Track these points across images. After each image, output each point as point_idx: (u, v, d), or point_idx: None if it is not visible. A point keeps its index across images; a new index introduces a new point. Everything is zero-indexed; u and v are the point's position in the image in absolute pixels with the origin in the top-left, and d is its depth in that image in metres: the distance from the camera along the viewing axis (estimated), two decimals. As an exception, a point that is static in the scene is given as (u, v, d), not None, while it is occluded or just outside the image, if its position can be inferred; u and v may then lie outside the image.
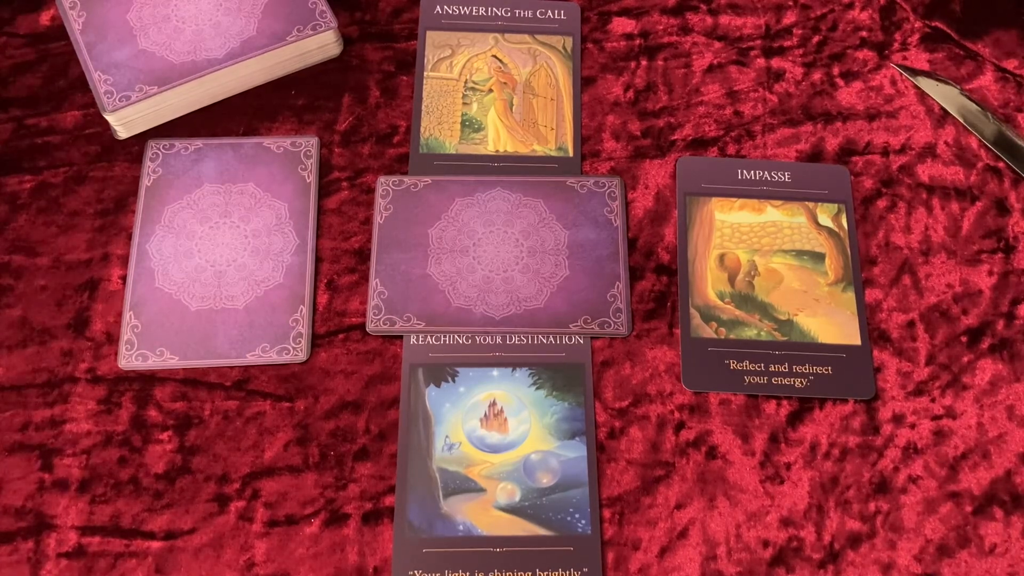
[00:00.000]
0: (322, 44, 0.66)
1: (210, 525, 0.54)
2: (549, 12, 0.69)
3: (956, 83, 0.67)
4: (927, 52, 0.69)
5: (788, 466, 0.56)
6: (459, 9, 0.69)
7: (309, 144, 0.64)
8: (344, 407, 0.57)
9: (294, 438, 0.57)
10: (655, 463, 0.56)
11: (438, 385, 0.58)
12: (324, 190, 0.63)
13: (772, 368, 0.58)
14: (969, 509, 0.56)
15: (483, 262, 0.61)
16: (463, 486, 0.55)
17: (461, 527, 0.54)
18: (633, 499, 0.56)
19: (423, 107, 0.66)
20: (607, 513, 0.55)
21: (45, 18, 0.68)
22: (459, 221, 0.62)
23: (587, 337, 0.59)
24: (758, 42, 0.69)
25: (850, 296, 0.61)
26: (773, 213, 0.63)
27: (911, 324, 0.60)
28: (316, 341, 0.59)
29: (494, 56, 0.68)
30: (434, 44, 0.68)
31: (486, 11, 0.69)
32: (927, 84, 0.67)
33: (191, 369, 0.58)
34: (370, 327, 0.59)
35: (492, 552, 0.54)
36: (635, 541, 0.55)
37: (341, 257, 0.61)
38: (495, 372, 0.58)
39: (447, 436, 0.56)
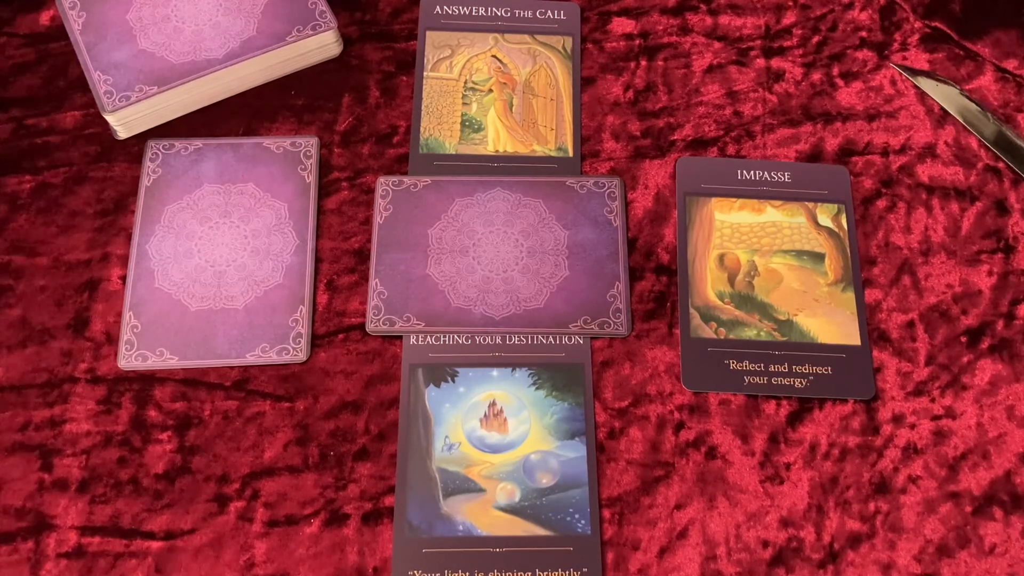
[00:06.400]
0: (322, 44, 0.66)
1: (210, 525, 0.54)
2: (549, 12, 0.69)
3: (956, 83, 0.67)
4: (927, 52, 0.69)
5: (788, 466, 0.56)
6: (459, 9, 0.69)
7: (309, 144, 0.64)
8: (344, 407, 0.57)
9: (294, 438, 0.57)
10: (655, 463, 0.56)
11: (438, 385, 0.58)
12: (324, 190, 0.63)
13: (772, 368, 0.58)
14: (969, 509, 0.56)
15: (483, 262, 0.61)
16: (463, 486, 0.55)
17: (461, 527, 0.54)
18: (633, 499, 0.56)
19: (423, 107, 0.66)
20: (607, 513, 0.55)
21: (45, 18, 0.68)
22: (459, 221, 0.62)
23: (587, 337, 0.59)
24: (758, 42, 0.69)
25: (850, 296, 0.61)
26: (773, 213, 0.63)
27: (911, 324, 0.60)
28: (316, 341, 0.59)
29: (494, 56, 0.68)
30: (434, 44, 0.68)
31: (486, 11, 0.69)
32: (927, 84, 0.67)
33: (191, 369, 0.58)
34: (370, 327, 0.59)
35: (492, 552, 0.54)
36: (635, 541, 0.55)
37: (341, 257, 0.61)
38: (495, 372, 0.58)
39: (447, 436, 0.56)
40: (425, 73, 0.67)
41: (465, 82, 0.67)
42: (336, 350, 0.59)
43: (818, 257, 0.62)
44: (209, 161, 0.63)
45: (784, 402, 0.58)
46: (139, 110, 0.63)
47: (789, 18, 0.70)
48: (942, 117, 0.66)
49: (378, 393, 0.58)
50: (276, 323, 0.59)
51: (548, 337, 0.59)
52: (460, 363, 0.58)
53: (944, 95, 0.67)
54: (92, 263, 0.61)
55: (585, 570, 0.54)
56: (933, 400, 0.58)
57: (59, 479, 0.55)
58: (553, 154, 0.65)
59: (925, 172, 0.65)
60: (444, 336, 0.59)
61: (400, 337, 0.59)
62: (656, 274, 0.61)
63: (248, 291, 0.60)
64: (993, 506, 0.56)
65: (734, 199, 0.63)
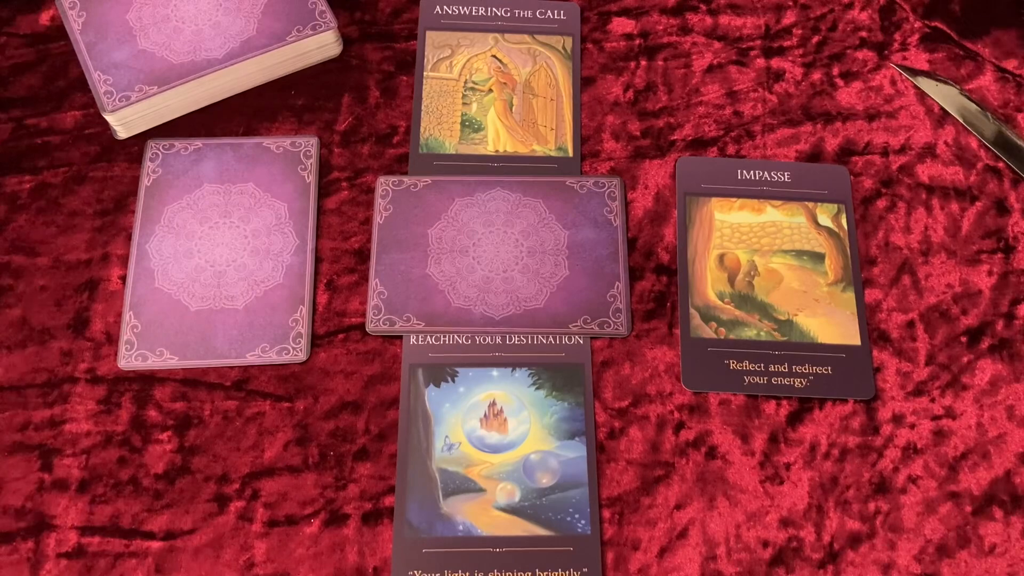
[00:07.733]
0: (322, 44, 0.66)
1: (210, 525, 0.54)
2: (549, 12, 0.69)
3: (956, 83, 0.67)
4: (927, 52, 0.69)
5: (788, 466, 0.56)
6: (459, 9, 0.69)
7: (309, 144, 0.64)
8: (344, 407, 0.57)
9: (294, 438, 0.57)
10: (655, 463, 0.56)
11: (438, 385, 0.58)
12: (324, 190, 0.63)
13: (772, 368, 0.58)
14: (969, 509, 0.56)
15: (483, 262, 0.61)
16: (463, 486, 0.55)
17: (461, 527, 0.54)
18: (633, 499, 0.56)
19: (423, 107, 0.66)
20: (607, 513, 0.55)
21: (45, 18, 0.68)
22: (459, 221, 0.62)
23: (587, 337, 0.59)
24: (758, 42, 0.69)
25: (850, 296, 0.61)
26: (773, 213, 0.63)
27: (911, 324, 0.60)
28: (316, 341, 0.59)
29: (494, 56, 0.68)
30: (434, 44, 0.68)
31: (486, 11, 0.69)
32: (927, 84, 0.67)
33: (191, 369, 0.58)
34: (370, 327, 0.59)
35: (492, 552, 0.54)
36: (635, 541, 0.55)
37: (341, 257, 0.61)
38: (495, 372, 0.58)
39: (447, 436, 0.56)
40: (425, 73, 0.67)
41: (465, 82, 0.67)
42: (336, 350, 0.59)
43: (818, 257, 0.62)
44: (209, 161, 0.63)
45: (784, 402, 0.58)
46: (139, 110, 0.63)
47: (789, 18, 0.70)
48: (942, 117, 0.66)
49: (378, 393, 0.58)
50: (276, 323, 0.59)
51: (548, 337, 0.59)
52: (460, 363, 0.58)
53: (944, 95, 0.67)
54: (92, 263, 0.61)
55: (585, 570, 0.54)
56: (933, 400, 0.58)
57: (59, 479, 0.55)
58: (553, 154, 0.65)
59: (925, 172, 0.65)
60: (444, 336, 0.59)
61: (400, 337, 0.59)
62: (656, 274, 0.61)
63: (248, 291, 0.60)
64: (993, 506, 0.56)
65: (734, 199, 0.63)
